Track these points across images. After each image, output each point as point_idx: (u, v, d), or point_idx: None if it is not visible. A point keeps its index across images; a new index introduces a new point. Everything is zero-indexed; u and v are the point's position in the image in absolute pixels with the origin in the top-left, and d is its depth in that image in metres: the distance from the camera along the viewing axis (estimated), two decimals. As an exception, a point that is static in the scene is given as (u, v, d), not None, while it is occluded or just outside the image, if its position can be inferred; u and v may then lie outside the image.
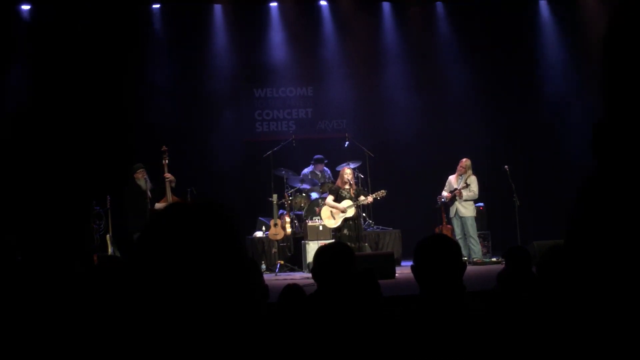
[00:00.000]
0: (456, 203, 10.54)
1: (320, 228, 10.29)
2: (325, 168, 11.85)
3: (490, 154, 12.22)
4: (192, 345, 1.20)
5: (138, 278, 1.23)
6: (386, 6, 13.44)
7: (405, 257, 10.88)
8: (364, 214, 11.02)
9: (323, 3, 13.38)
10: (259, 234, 11.24)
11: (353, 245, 9.34)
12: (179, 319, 1.20)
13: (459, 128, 12.95)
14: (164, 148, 9.63)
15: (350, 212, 9.65)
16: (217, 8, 13.05)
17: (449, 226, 10.78)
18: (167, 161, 9.60)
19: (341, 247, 3.16)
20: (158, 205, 9.55)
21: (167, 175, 9.61)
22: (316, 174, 11.74)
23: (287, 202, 10.99)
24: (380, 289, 3.71)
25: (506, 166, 10.93)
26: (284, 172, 11.36)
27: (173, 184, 9.63)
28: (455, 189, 10.53)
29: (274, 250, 10.65)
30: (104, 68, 12.10)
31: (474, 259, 10.28)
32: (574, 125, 12.19)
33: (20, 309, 2.20)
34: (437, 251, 2.52)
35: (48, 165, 11.60)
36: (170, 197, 9.55)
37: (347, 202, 9.66)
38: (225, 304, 1.21)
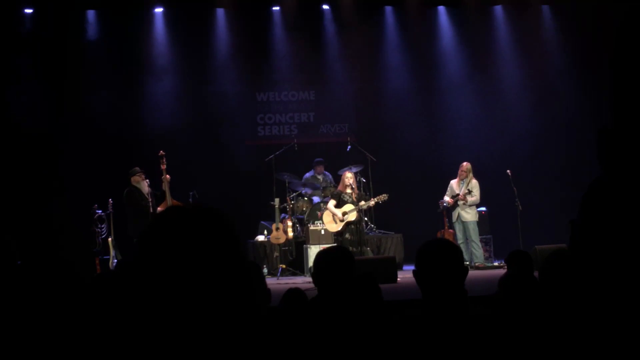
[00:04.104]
0: (458, 208, 10.53)
1: (322, 232, 10.28)
2: (326, 172, 11.85)
3: (492, 158, 12.20)
4: (192, 348, 1.19)
5: (137, 281, 1.22)
6: (388, 10, 13.45)
7: (407, 262, 10.86)
8: (365, 218, 11.01)
9: (325, 7, 13.39)
10: (260, 237, 11.23)
11: (355, 249, 9.33)
12: (178, 321, 1.19)
13: (461, 132, 12.95)
14: (162, 152, 9.61)
15: (352, 216, 9.64)
16: (220, 12, 13.07)
17: (450, 230, 10.77)
18: (165, 166, 9.58)
19: (341, 251, 3.14)
20: (159, 210, 9.53)
21: (166, 177, 9.58)
22: (317, 177, 11.74)
23: (289, 206, 10.99)
24: (380, 293, 3.70)
25: (508, 170, 10.92)
26: (286, 176, 11.35)
27: (167, 187, 9.57)
28: (457, 194, 10.51)
29: (276, 254, 10.64)
30: (105, 72, 12.12)
31: (476, 264, 10.27)
32: (578, 131, 12.18)
33: (21, 314, 2.19)
34: (439, 255, 2.51)
35: (49, 168, 11.61)
36: (170, 201, 9.53)
37: (348, 207, 9.65)
38: (224, 307, 1.21)
